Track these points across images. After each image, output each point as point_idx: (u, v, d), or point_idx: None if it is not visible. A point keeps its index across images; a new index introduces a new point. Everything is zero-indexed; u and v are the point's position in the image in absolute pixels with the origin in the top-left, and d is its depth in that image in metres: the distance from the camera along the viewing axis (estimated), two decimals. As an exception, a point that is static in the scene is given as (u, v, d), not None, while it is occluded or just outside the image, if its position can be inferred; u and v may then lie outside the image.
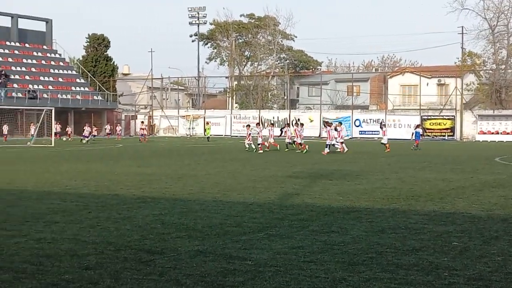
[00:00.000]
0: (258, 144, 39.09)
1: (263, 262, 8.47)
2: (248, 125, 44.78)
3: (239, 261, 8.54)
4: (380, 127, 45.94)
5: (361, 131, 71.61)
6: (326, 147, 37.25)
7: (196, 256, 8.83)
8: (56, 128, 57.01)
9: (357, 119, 72.46)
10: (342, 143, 39.07)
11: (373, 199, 15.00)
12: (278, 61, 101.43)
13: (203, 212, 12.82)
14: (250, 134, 40.50)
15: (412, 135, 46.10)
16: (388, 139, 41.40)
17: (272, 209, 13.34)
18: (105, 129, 73.91)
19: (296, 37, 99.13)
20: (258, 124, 44.30)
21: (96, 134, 64.10)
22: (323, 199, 15.04)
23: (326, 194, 15.91)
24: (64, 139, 60.72)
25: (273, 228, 11.07)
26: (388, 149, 39.48)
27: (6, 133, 58.40)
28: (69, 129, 66.96)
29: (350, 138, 66.35)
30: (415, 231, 10.78)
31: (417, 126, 48.64)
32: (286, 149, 40.18)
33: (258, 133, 40.06)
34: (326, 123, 46.45)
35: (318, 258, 8.75)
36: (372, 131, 69.40)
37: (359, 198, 15.26)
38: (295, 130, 41.46)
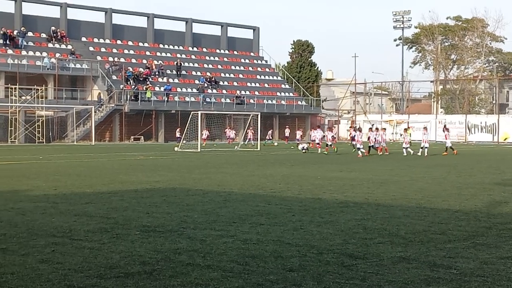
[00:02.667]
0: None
1: (469, 272, 8.20)
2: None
3: (443, 269, 8.32)
4: (443, 130, 44.33)
5: None
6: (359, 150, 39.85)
7: (399, 262, 8.72)
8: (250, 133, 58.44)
9: None
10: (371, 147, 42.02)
11: None
12: (486, 64, 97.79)
13: (406, 218, 12.63)
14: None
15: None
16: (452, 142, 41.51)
17: (478, 217, 12.87)
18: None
19: (506, 39, 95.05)
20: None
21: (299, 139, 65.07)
22: (535, 208, 14.26)
23: (537, 203, 15.08)
24: (276, 143, 62.11)
25: (479, 236, 10.67)
26: (446, 153, 40.81)
27: (205, 137, 60.42)
28: (270, 132, 68.06)
29: None
30: None
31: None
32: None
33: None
34: (356, 129, 47.41)
35: (528, 270, 8.32)
36: None
37: None
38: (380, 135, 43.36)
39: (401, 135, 54.85)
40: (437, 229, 11.30)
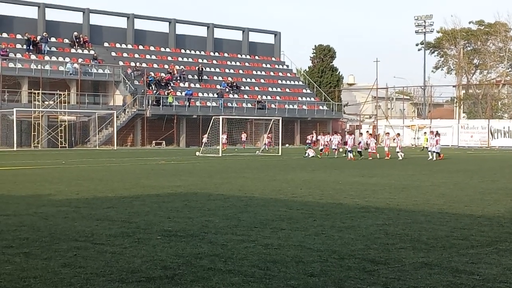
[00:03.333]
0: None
1: (491, 278, 8.14)
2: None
3: (466, 275, 8.27)
4: (434, 135, 43.52)
5: None
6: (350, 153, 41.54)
7: (421, 268, 8.67)
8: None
9: None
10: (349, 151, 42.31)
11: None
12: (510, 69, 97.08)
13: (428, 223, 12.56)
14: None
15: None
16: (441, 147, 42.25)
17: (501, 223, 12.78)
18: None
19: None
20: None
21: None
22: (559, 214, 14.13)
23: (561, 209, 14.94)
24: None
25: (503, 242, 10.59)
26: (441, 157, 41.15)
27: (224, 141, 60.23)
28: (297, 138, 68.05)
29: None
30: None
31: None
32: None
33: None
34: (348, 132, 48.79)
35: (552, 276, 8.24)
36: None
37: None
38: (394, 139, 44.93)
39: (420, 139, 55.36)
40: (460, 235, 11.23)
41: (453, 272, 8.44)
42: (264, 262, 8.96)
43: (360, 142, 44.61)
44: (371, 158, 41.92)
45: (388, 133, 48.75)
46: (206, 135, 52.38)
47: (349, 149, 41.97)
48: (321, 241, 10.56)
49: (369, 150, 43.07)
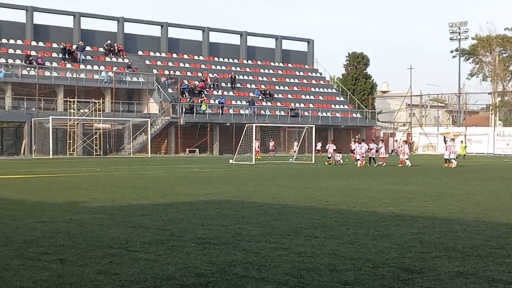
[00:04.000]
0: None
1: (528, 288, 8.03)
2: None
3: (502, 284, 8.17)
4: (444, 141, 46.03)
5: None
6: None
7: (456, 277, 8.59)
8: (317, 146, 57.86)
9: None
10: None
11: None
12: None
13: (464, 232, 12.43)
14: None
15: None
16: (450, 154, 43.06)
17: (538, 231, 12.60)
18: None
19: None
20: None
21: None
22: None
23: None
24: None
25: (540, 252, 10.45)
26: (446, 164, 42.03)
27: (257, 149, 60.04)
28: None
29: None
30: None
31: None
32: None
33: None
34: (355, 141, 49.38)
35: None
36: None
37: None
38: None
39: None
40: (496, 244, 11.10)
41: (489, 281, 8.34)
42: (298, 270, 8.94)
43: (372, 149, 44.93)
44: (381, 163, 43.57)
45: (363, 140, 51.02)
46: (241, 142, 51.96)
47: (358, 157, 43.20)
48: (355, 250, 10.51)
49: (380, 155, 44.60)
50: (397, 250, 10.51)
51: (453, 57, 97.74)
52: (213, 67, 79.30)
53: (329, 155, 47.13)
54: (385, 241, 11.30)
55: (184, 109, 67.55)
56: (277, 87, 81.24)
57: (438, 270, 9.01)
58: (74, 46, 68.94)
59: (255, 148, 51.12)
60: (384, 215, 15.05)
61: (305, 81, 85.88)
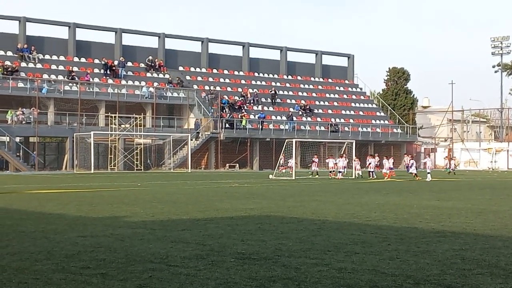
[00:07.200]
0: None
1: None
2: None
3: (546, 303, 8.02)
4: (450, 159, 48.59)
5: None
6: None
7: (499, 295, 8.46)
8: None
9: None
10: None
11: None
12: None
13: (506, 249, 12.24)
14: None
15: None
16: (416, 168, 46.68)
17: None
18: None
19: None
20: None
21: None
22: None
23: None
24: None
25: None
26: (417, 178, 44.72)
27: (291, 164, 59.96)
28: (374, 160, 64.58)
29: None
30: None
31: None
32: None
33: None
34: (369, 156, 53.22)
35: None
36: None
37: None
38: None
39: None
40: (540, 261, 10.91)
41: (533, 299, 8.20)
42: (338, 286, 8.89)
43: (370, 163, 47.59)
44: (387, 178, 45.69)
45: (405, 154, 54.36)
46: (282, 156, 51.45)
47: (372, 170, 47.04)
48: (395, 266, 10.42)
49: (383, 170, 47.02)
50: (438, 266, 10.39)
51: (495, 71, 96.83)
52: (253, 82, 79.57)
53: (340, 170, 48.32)
54: (426, 258, 11.18)
55: (224, 125, 67.83)
56: (317, 102, 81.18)
57: (480, 287, 8.89)
58: (116, 62, 69.82)
59: (289, 164, 50.39)
60: (425, 231, 14.89)
61: (345, 96, 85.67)
